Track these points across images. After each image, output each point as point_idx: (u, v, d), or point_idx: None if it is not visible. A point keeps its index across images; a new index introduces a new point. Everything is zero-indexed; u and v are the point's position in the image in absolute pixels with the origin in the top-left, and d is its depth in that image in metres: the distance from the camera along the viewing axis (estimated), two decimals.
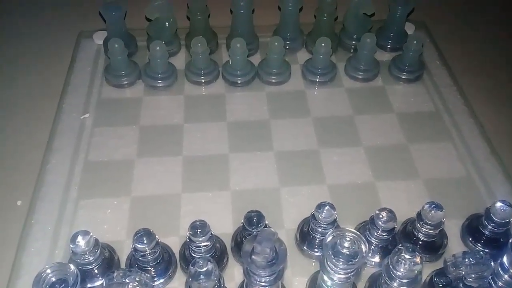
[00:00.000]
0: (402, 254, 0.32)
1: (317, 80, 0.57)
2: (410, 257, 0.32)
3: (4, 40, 0.64)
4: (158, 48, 0.53)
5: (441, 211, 0.38)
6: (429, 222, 0.38)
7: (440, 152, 0.50)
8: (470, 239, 0.42)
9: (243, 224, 0.38)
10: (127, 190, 0.45)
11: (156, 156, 0.49)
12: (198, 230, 0.36)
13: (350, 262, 0.30)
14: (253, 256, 0.30)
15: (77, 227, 0.42)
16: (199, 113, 0.54)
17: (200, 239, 0.36)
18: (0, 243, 0.42)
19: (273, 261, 0.30)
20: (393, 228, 0.38)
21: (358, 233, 0.30)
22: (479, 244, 0.41)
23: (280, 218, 0.44)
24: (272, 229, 0.31)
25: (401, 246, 0.32)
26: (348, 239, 0.30)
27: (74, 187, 0.46)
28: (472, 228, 0.42)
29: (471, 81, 0.59)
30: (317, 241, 0.40)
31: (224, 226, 0.42)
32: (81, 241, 0.35)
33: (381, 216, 0.38)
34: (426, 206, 0.38)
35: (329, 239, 0.30)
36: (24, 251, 0.41)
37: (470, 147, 0.50)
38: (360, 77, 0.57)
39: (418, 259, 0.32)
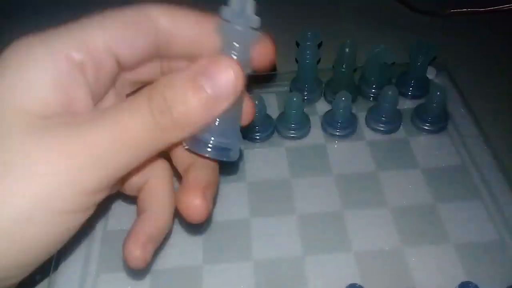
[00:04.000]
0: None
1: (337, 134, 0.55)
2: None
3: None
4: None
5: None
6: None
7: (469, 212, 0.48)
8: None
9: None
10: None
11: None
12: None
13: None
14: None
15: None
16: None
17: None
18: None
19: None
20: None
21: None
22: None
23: None
24: None
25: None
26: None
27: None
28: None
29: (499, 130, 0.56)
30: None
31: None
32: None
33: None
34: None
35: None
36: None
37: (501, 206, 0.48)
38: (381, 128, 0.56)
39: None
